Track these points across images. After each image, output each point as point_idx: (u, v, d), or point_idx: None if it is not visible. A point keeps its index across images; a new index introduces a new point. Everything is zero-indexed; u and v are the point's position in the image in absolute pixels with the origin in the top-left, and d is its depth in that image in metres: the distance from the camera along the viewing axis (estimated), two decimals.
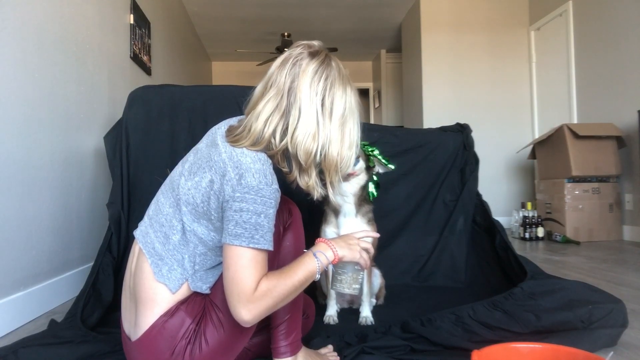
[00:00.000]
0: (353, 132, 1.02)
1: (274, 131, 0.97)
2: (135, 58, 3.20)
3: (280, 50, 6.44)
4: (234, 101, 1.89)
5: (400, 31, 6.09)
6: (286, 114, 0.97)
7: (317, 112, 0.97)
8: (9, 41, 1.64)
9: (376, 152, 1.64)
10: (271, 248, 0.92)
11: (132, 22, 3.15)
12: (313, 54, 1.00)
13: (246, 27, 6.06)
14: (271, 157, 0.98)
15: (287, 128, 0.97)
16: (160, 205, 1.02)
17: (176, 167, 1.06)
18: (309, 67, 0.98)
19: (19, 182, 1.69)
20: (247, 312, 0.87)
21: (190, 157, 1.03)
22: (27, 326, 1.66)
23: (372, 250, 1.12)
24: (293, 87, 0.97)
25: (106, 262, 1.71)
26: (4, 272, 1.59)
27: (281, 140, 0.97)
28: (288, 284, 0.92)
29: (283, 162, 1.01)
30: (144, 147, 1.94)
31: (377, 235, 1.25)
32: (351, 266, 1.11)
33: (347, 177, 1.56)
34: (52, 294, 1.92)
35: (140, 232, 1.03)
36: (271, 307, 0.91)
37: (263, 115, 0.97)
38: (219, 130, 1.03)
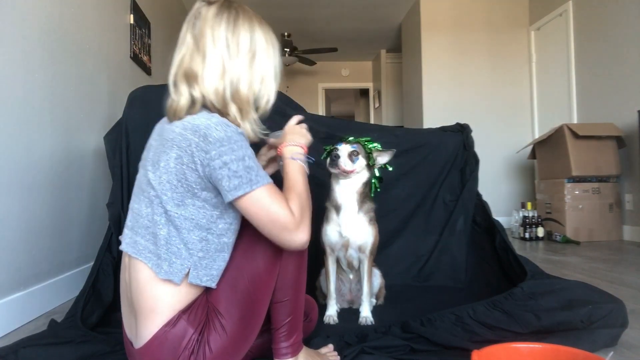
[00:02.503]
0: (265, 67, 1.05)
1: (192, 87, 0.99)
2: (135, 58, 3.20)
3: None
4: None
5: (400, 31, 6.09)
6: (195, 66, 0.99)
7: (222, 53, 0.99)
8: (9, 41, 1.64)
9: (376, 145, 1.63)
10: (270, 180, 0.95)
11: (132, 22, 3.15)
12: (211, 3, 1.03)
13: None
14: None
15: (196, 77, 0.98)
16: (136, 211, 0.99)
17: (138, 174, 1.04)
18: (209, 14, 1.01)
19: (19, 182, 1.69)
20: (302, 233, 0.94)
21: (148, 155, 1.02)
22: (27, 326, 1.66)
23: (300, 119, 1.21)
24: (197, 37, 1.00)
25: (106, 262, 1.71)
26: (4, 272, 1.59)
27: (200, 91, 0.98)
28: (303, 191, 1.01)
29: (226, 114, 1.02)
30: (144, 147, 1.93)
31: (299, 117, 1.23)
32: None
33: (347, 174, 1.55)
34: (52, 294, 1.92)
35: (127, 244, 0.99)
36: (309, 216, 0.98)
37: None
38: (160, 121, 1.06)
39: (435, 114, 4.84)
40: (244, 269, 1.01)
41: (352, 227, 1.59)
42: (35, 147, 1.81)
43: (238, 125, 1.00)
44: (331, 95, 9.04)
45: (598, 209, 3.59)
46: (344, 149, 1.56)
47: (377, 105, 7.62)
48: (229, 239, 1.01)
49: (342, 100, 10.04)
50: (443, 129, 2.35)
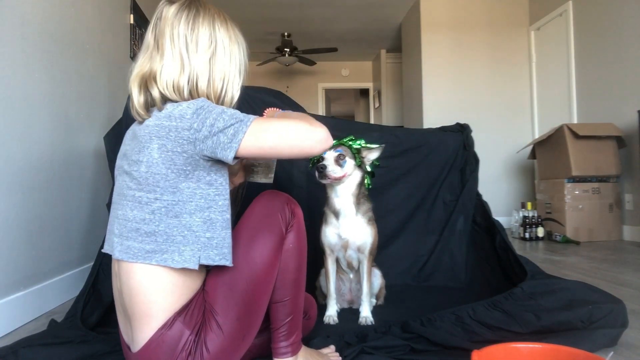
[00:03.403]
0: (225, 65, 1.05)
1: (151, 87, 0.99)
2: (135, 58, 3.20)
3: (280, 51, 6.45)
4: None
5: (400, 31, 6.09)
6: (154, 65, 1.00)
7: (181, 50, 1.00)
8: (9, 41, 1.64)
9: (361, 142, 1.59)
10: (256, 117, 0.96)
11: (132, 22, 3.15)
12: (172, 1, 1.04)
13: (246, 27, 5.96)
14: None
15: (155, 76, 0.99)
16: (122, 217, 0.97)
17: (116, 183, 1.04)
18: (169, 13, 1.02)
19: (19, 182, 1.69)
20: (320, 128, 0.94)
21: (123, 161, 1.01)
22: (27, 326, 1.66)
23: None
24: (157, 37, 1.01)
25: (106, 262, 1.70)
26: (4, 272, 1.59)
27: (159, 89, 0.98)
28: (296, 114, 1.06)
29: None
30: None
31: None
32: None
33: (339, 180, 1.53)
34: (52, 294, 1.92)
35: (120, 252, 0.95)
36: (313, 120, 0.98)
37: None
38: (129, 129, 1.07)
39: (435, 114, 4.83)
40: (242, 269, 1.00)
41: (352, 229, 1.60)
42: (35, 147, 1.81)
43: None
44: (331, 95, 9.04)
45: (598, 209, 3.59)
46: (329, 156, 1.52)
47: (377, 105, 7.62)
48: (229, 215, 1.01)
49: (342, 100, 10.04)
50: (443, 129, 2.35)
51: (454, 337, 1.29)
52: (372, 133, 2.24)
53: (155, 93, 0.98)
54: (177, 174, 0.93)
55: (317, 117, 2.29)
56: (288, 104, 2.09)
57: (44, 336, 1.36)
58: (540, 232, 3.72)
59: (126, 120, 1.93)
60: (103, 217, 2.18)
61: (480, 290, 1.94)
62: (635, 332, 1.40)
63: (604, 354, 1.13)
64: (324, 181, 1.52)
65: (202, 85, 1.02)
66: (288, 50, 6.44)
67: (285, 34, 6.30)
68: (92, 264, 1.76)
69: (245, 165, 1.24)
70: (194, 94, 1.01)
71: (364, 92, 8.54)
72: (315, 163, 1.58)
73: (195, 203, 0.95)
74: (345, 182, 1.57)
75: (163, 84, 0.98)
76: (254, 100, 1.96)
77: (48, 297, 1.88)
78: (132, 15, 3.15)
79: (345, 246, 1.61)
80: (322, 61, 7.26)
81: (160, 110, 0.97)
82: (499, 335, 1.26)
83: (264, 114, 1.19)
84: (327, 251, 1.64)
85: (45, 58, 1.91)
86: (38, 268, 1.82)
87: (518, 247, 3.36)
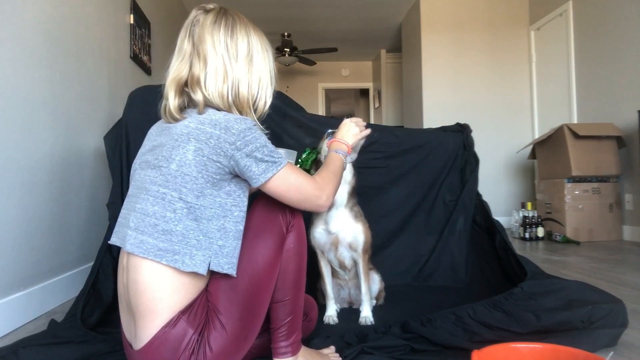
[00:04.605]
0: (261, 70, 1.11)
1: (194, 92, 1.03)
2: (135, 58, 3.20)
3: (280, 51, 6.45)
4: None
5: (400, 31, 6.09)
6: (197, 71, 1.04)
7: (223, 57, 1.05)
8: (8, 41, 1.64)
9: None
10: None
11: (132, 22, 3.15)
12: (208, 11, 1.09)
13: None
14: None
15: (199, 81, 1.03)
16: (141, 211, 0.97)
17: (135, 175, 1.05)
18: (207, 21, 1.06)
19: (19, 182, 1.69)
20: (325, 196, 1.07)
21: (148, 155, 1.03)
22: (27, 326, 1.66)
23: (361, 125, 1.39)
24: (196, 44, 1.05)
25: (106, 262, 1.71)
26: (4, 272, 1.59)
27: (203, 95, 1.03)
28: (336, 170, 1.17)
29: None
30: None
31: (369, 131, 1.41)
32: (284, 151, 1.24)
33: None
34: (52, 294, 1.92)
35: (132, 245, 0.95)
36: (334, 187, 1.12)
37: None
38: (155, 124, 1.11)
39: (435, 114, 4.83)
40: (244, 270, 1.01)
41: (339, 223, 1.58)
42: (35, 147, 1.81)
43: None
44: (331, 95, 9.05)
45: (598, 209, 3.59)
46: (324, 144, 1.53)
47: (377, 105, 7.62)
48: (243, 226, 1.04)
49: (342, 100, 10.04)
50: (443, 129, 2.35)
51: (454, 337, 1.29)
52: (372, 133, 2.24)
53: (199, 97, 1.02)
54: (206, 179, 0.96)
55: (318, 117, 2.30)
56: (288, 104, 2.09)
57: (44, 336, 1.36)
58: (540, 232, 3.72)
59: (126, 120, 1.93)
60: (103, 217, 2.18)
61: (480, 290, 1.94)
62: (635, 332, 1.40)
63: (604, 354, 1.13)
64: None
65: (243, 91, 1.07)
66: (288, 50, 6.44)
67: (285, 34, 6.30)
68: (91, 264, 1.76)
69: None
70: (235, 99, 1.06)
71: (364, 92, 8.54)
72: (302, 164, 1.60)
73: (214, 210, 0.98)
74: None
75: (209, 91, 1.03)
76: None
77: (48, 297, 1.88)
78: (132, 15, 3.15)
79: (335, 243, 1.60)
80: (322, 61, 7.26)
81: (200, 113, 1.01)
82: (499, 335, 1.26)
83: (327, 145, 1.39)
84: (319, 253, 1.64)
85: (45, 58, 1.91)
86: (38, 268, 1.82)
87: (518, 247, 3.36)
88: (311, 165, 1.62)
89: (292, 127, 2.07)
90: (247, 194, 1.05)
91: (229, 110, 1.05)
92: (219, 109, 1.03)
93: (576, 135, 3.55)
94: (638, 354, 1.24)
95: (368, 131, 1.40)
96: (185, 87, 1.04)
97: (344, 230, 1.59)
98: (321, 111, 7.90)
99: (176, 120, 1.01)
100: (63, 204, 2.04)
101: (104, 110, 2.56)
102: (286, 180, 1.02)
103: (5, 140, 1.61)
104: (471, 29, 4.95)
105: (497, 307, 1.37)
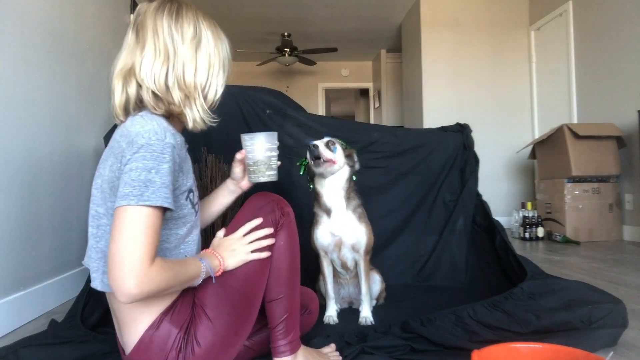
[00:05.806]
0: (210, 56, 1.03)
1: (128, 84, 0.97)
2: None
3: (280, 51, 6.45)
4: (234, 101, 1.89)
5: (400, 31, 6.09)
6: (133, 58, 0.97)
7: (165, 39, 0.97)
8: (9, 41, 1.64)
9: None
10: (168, 205, 0.85)
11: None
12: (153, 0, 1.02)
13: (246, 27, 6.05)
14: (168, 116, 0.99)
15: (133, 69, 0.96)
16: (91, 237, 0.97)
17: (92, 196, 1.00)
18: (150, 9, 1.00)
19: (19, 182, 1.69)
20: (137, 284, 0.77)
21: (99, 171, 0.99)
22: (27, 326, 1.66)
23: (260, 235, 1.06)
24: (139, 31, 0.98)
25: None
26: (4, 272, 1.59)
27: (136, 84, 0.96)
28: (181, 272, 0.89)
29: (177, 120, 1.02)
30: None
31: (258, 222, 1.08)
32: (262, 155, 1.10)
33: (326, 164, 1.50)
34: (52, 294, 1.92)
35: (100, 283, 0.97)
36: (162, 288, 0.82)
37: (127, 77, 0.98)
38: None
39: (435, 114, 4.83)
40: (234, 269, 1.02)
41: (343, 225, 1.59)
42: (35, 147, 1.81)
43: (180, 114, 1.00)
44: (331, 95, 9.04)
45: (598, 209, 3.59)
46: (319, 143, 1.52)
47: (377, 105, 7.61)
48: (187, 229, 1.01)
49: (342, 100, 10.04)
50: (443, 129, 2.36)
51: (454, 337, 1.29)
52: (372, 133, 2.24)
53: (132, 90, 0.96)
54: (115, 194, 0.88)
55: (318, 117, 2.30)
56: (288, 104, 2.09)
57: (44, 336, 1.36)
58: (540, 232, 3.72)
59: None
60: None
61: (480, 290, 1.94)
62: (635, 332, 1.40)
63: (604, 354, 1.13)
64: (317, 167, 1.51)
65: (189, 76, 0.99)
66: (288, 50, 6.43)
67: (285, 34, 6.30)
68: None
69: (246, 169, 1.23)
70: (179, 83, 0.98)
71: (364, 92, 8.54)
72: (304, 165, 1.60)
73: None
74: (335, 176, 1.56)
75: (141, 75, 0.95)
76: (254, 100, 1.95)
77: (48, 297, 1.88)
78: (132, 16, 3.15)
79: (338, 245, 1.60)
80: (322, 61, 7.26)
81: (133, 116, 0.96)
82: (499, 335, 1.26)
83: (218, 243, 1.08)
84: (322, 253, 1.64)
85: (45, 58, 1.91)
86: (38, 268, 1.82)
87: (518, 247, 3.35)
88: (305, 172, 1.63)
89: (292, 127, 2.07)
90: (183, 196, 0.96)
91: (166, 95, 0.96)
92: (154, 97, 0.96)
93: (576, 135, 3.55)
94: (638, 354, 1.24)
95: (262, 255, 1.06)
96: (122, 80, 0.98)
97: (347, 232, 1.59)
98: (321, 111, 7.89)
99: (119, 119, 0.98)
100: (63, 203, 2.04)
101: (104, 110, 2.56)
102: (130, 222, 0.80)
103: (6, 140, 1.61)
104: (471, 29, 4.95)
105: (497, 307, 1.38)
